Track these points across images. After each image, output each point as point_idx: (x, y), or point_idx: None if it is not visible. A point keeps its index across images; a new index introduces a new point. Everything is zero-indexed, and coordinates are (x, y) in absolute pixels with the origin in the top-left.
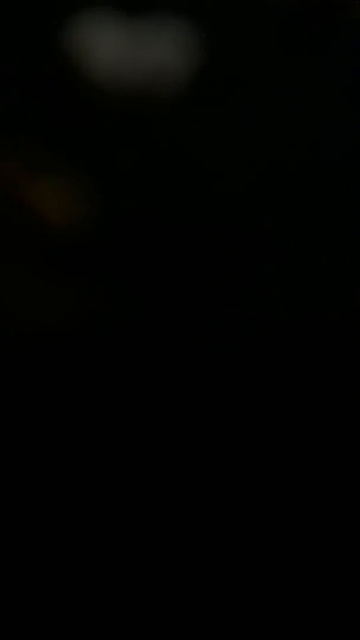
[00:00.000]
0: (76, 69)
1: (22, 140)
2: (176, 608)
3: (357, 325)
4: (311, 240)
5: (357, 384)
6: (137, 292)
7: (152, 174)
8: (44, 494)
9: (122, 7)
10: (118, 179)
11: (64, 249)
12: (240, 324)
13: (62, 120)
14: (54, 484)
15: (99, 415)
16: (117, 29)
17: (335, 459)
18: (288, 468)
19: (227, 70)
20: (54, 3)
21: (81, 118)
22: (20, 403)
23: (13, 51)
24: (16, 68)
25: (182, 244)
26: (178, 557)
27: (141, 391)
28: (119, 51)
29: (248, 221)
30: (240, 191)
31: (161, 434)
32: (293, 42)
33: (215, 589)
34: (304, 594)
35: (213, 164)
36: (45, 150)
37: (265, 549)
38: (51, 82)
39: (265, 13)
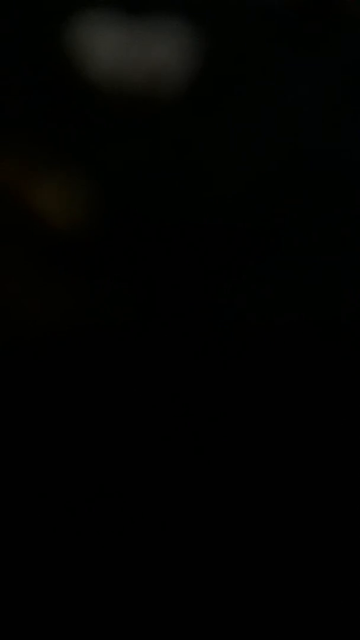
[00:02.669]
0: (76, 69)
1: (22, 140)
2: (176, 607)
3: (354, 325)
4: (310, 239)
5: (354, 382)
6: (137, 291)
7: (152, 174)
8: (44, 493)
9: (122, 7)
10: (118, 178)
11: (64, 249)
12: (239, 324)
13: (63, 121)
14: (54, 483)
15: (99, 413)
16: (117, 29)
17: (334, 457)
18: (287, 466)
19: (227, 70)
20: (54, 3)
21: (81, 118)
22: (21, 402)
23: (13, 51)
24: (16, 68)
25: (182, 244)
26: (178, 556)
27: (141, 390)
28: (119, 51)
29: (248, 221)
30: (240, 191)
31: (161, 432)
32: (293, 42)
33: (215, 588)
34: (304, 593)
35: (213, 164)
36: (45, 150)
37: (265, 547)
38: (51, 82)
39: (265, 13)
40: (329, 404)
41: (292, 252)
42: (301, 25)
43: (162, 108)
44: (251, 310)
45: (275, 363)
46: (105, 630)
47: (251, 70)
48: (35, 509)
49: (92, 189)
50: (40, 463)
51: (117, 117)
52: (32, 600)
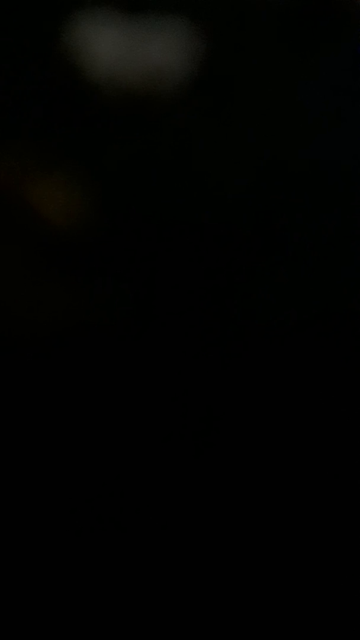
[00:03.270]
0: (76, 69)
1: (22, 140)
2: (176, 608)
3: (356, 323)
4: (311, 239)
5: (355, 382)
6: (137, 291)
7: (152, 174)
8: (44, 493)
9: (122, 7)
10: (118, 178)
11: (64, 248)
12: (239, 323)
13: (62, 120)
14: (54, 483)
15: (99, 413)
16: (117, 29)
17: (336, 456)
18: (289, 466)
19: (226, 70)
20: (54, 3)
21: (81, 118)
22: (21, 402)
23: (13, 51)
24: (16, 68)
25: (182, 244)
26: (178, 556)
27: (141, 390)
28: (119, 51)
29: (247, 221)
30: (240, 191)
31: (161, 432)
32: (294, 42)
33: (215, 588)
34: (304, 594)
35: (213, 164)
36: (45, 150)
37: (265, 546)
38: (51, 81)
39: (265, 13)
40: (330, 403)
41: (293, 252)
42: (302, 24)
43: (162, 108)
44: (251, 310)
45: (276, 363)
46: (105, 630)
47: (251, 70)
48: (35, 509)
49: (92, 189)
50: (40, 463)
51: (117, 117)
52: (32, 600)
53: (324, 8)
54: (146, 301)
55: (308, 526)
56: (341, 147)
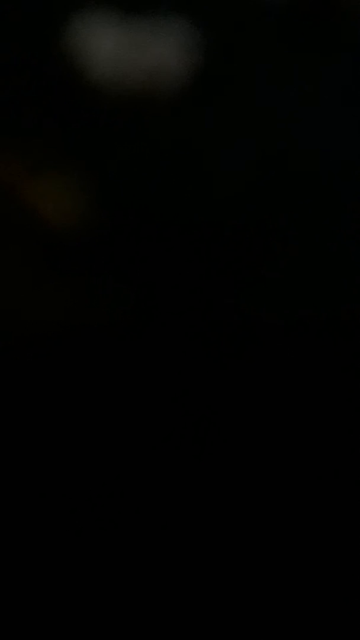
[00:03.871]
0: (76, 69)
1: (22, 140)
2: (176, 608)
3: (353, 325)
4: (311, 239)
5: (353, 382)
6: (137, 291)
7: (152, 174)
8: (44, 493)
9: (122, 7)
10: (118, 178)
11: (64, 249)
12: (239, 323)
13: (62, 120)
14: (54, 483)
15: (99, 413)
16: (117, 29)
17: (336, 456)
18: (290, 468)
19: (226, 70)
20: (54, 3)
21: (81, 118)
22: (21, 402)
23: (13, 51)
24: (16, 68)
25: (182, 244)
26: (178, 557)
27: (141, 390)
28: (119, 51)
29: (247, 221)
30: (240, 191)
31: (161, 432)
32: (292, 42)
33: (215, 588)
34: (304, 594)
35: (212, 164)
36: (45, 150)
37: (265, 547)
38: (51, 82)
39: (265, 13)
40: (329, 404)
41: (293, 252)
42: (301, 24)
43: (161, 108)
44: (252, 310)
45: (276, 363)
46: (105, 630)
47: (250, 70)
48: (35, 509)
49: (92, 188)
50: (40, 463)
51: (117, 117)
52: (32, 600)
53: (324, 8)
54: (146, 301)
55: (308, 526)
56: (342, 147)
